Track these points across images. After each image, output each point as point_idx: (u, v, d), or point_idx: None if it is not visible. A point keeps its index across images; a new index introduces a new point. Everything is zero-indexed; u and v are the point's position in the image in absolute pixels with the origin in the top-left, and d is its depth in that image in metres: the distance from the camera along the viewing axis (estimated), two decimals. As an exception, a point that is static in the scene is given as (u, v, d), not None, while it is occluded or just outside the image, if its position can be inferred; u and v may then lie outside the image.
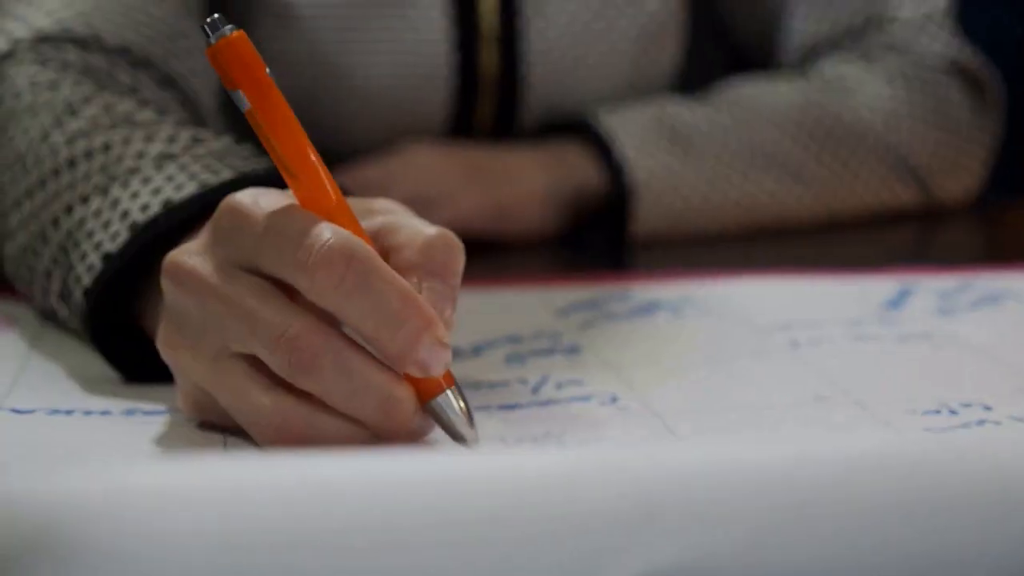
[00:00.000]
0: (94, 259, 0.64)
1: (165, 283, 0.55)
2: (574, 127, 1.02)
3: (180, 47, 0.88)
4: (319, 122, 1.02)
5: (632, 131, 1.00)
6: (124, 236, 0.63)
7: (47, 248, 0.68)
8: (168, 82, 0.86)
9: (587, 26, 1.04)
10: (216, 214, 0.55)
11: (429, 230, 0.57)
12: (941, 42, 1.08)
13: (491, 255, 0.96)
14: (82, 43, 0.83)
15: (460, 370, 0.57)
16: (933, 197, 1.07)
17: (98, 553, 0.33)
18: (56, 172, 0.69)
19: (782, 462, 0.34)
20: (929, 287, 0.81)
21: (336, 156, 1.02)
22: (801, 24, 1.10)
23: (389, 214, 0.58)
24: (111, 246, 0.64)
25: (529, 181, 0.99)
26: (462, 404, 0.54)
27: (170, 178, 0.65)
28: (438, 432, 0.54)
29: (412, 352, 0.51)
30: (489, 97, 1.03)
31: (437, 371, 0.52)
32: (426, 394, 0.53)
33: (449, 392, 0.53)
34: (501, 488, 0.33)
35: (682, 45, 1.09)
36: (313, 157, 0.55)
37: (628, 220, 0.99)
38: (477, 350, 0.70)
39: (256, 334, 0.52)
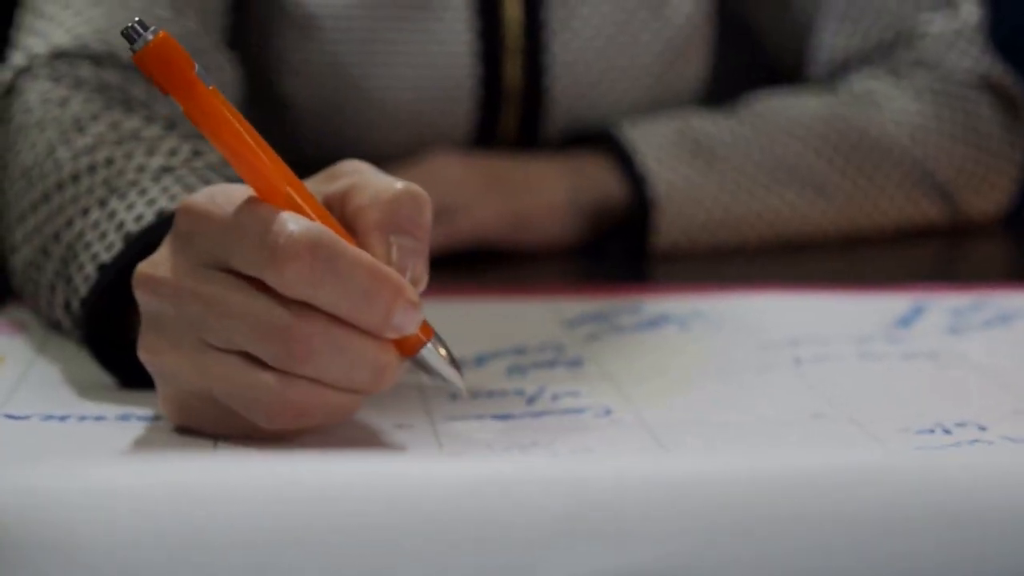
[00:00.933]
0: (90, 269, 0.65)
1: (139, 294, 0.56)
2: (597, 138, 1.02)
3: (199, 62, 0.89)
4: (341, 132, 1.02)
5: (654, 143, 1.00)
6: (118, 246, 0.64)
7: (50, 262, 0.69)
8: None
9: (611, 39, 1.04)
10: (176, 219, 0.56)
11: (395, 185, 0.57)
12: (971, 57, 1.07)
13: (509, 265, 0.97)
14: (97, 59, 0.84)
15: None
16: (960, 213, 1.06)
17: (46, 550, 0.34)
18: (60, 186, 0.70)
19: (718, 475, 0.34)
20: (943, 305, 0.80)
21: (366, 156, 1.02)
22: (831, 39, 1.10)
23: (355, 174, 0.59)
24: (106, 256, 0.64)
25: (549, 191, 0.99)
26: (443, 351, 0.57)
27: (165, 189, 0.66)
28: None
29: (388, 321, 0.53)
30: (513, 109, 1.04)
31: (412, 330, 0.55)
32: (410, 349, 0.56)
33: (429, 344, 0.56)
34: (437, 494, 0.34)
35: (707, 59, 1.09)
36: (261, 148, 0.55)
37: (649, 232, 0.99)
38: (480, 360, 0.70)
39: (243, 331, 0.53)
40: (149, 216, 0.64)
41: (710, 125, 1.02)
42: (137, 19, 0.54)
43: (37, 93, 0.80)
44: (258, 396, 0.54)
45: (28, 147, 0.75)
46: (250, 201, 0.54)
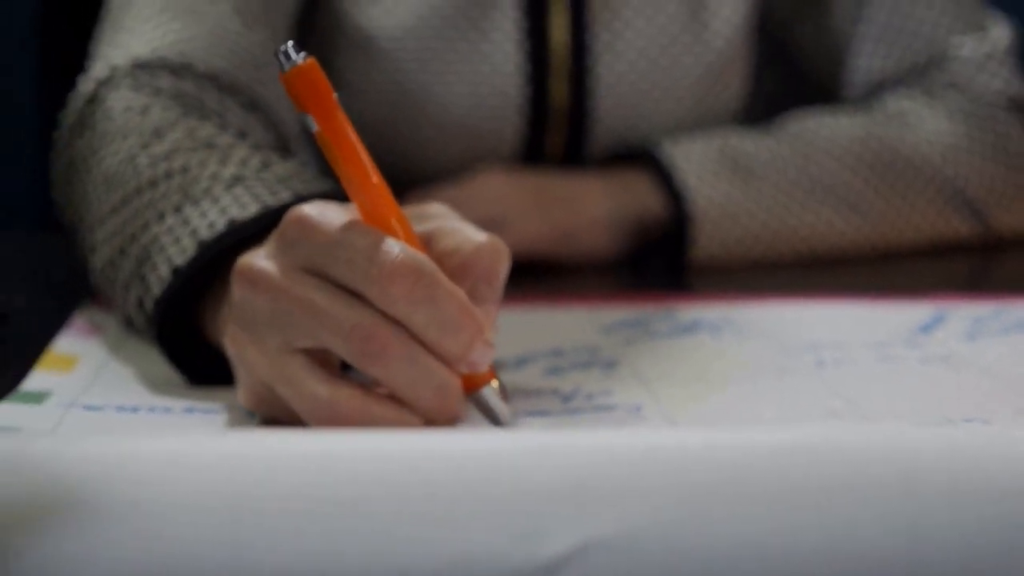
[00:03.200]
0: (164, 271, 0.70)
1: (236, 284, 0.61)
2: (638, 156, 1.07)
3: (266, 75, 0.95)
4: (397, 147, 1.07)
5: (694, 160, 1.04)
6: (192, 251, 0.69)
7: (126, 262, 0.74)
8: (253, 106, 0.92)
9: (654, 62, 1.08)
10: (284, 223, 0.60)
11: (478, 236, 0.62)
12: (1001, 79, 1.11)
13: (552, 276, 1.01)
14: (175, 70, 0.89)
15: (502, 378, 0.63)
16: (991, 230, 1.10)
17: (111, 511, 0.38)
18: (139, 191, 0.75)
19: (711, 445, 0.39)
20: (964, 313, 0.84)
21: (412, 180, 1.07)
22: (867, 62, 1.14)
23: (440, 219, 0.64)
24: (180, 260, 0.69)
25: (593, 207, 1.04)
26: (501, 395, 0.61)
27: (237, 198, 0.71)
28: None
29: (466, 353, 0.58)
30: (559, 128, 1.08)
31: (483, 368, 0.60)
32: (472, 387, 0.60)
33: (492, 384, 0.61)
34: (454, 464, 0.38)
35: (746, 81, 1.14)
36: (374, 176, 0.60)
37: (688, 246, 1.03)
38: (521, 362, 0.75)
39: (327, 327, 0.58)
40: (221, 224, 0.69)
41: (749, 144, 1.06)
42: (291, 42, 0.60)
43: (119, 101, 0.85)
44: (313, 407, 0.58)
45: (111, 153, 0.80)
46: (358, 221, 0.59)
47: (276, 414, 0.62)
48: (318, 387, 0.58)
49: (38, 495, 0.37)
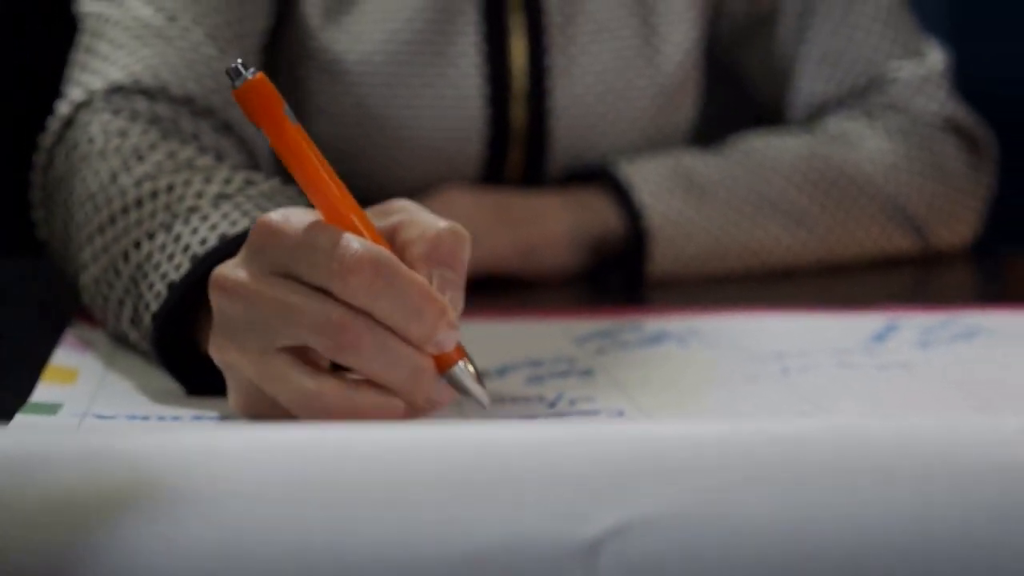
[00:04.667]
0: (160, 287, 0.73)
1: (213, 294, 0.65)
2: (595, 175, 1.11)
3: None
4: (363, 168, 1.11)
5: (649, 179, 1.09)
6: (186, 266, 0.73)
7: (119, 280, 0.77)
8: (226, 128, 0.95)
9: (609, 86, 1.13)
10: (252, 232, 0.64)
11: (439, 223, 0.66)
12: (938, 101, 1.17)
13: (518, 291, 1.05)
14: (151, 94, 0.93)
15: (487, 387, 0.67)
16: (930, 244, 1.16)
17: (192, 499, 0.42)
18: (125, 210, 0.79)
19: (739, 432, 0.43)
20: (914, 323, 0.89)
21: (377, 199, 1.11)
22: (810, 84, 1.19)
23: (404, 212, 0.68)
24: (175, 275, 0.73)
25: (555, 224, 1.08)
26: (472, 369, 0.65)
27: (225, 215, 0.74)
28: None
29: (431, 336, 0.62)
30: (519, 148, 1.13)
31: (450, 348, 0.64)
32: (444, 366, 0.64)
33: (461, 362, 0.65)
34: (499, 451, 0.42)
35: (696, 103, 1.18)
36: (331, 180, 0.64)
37: (644, 261, 1.07)
38: (502, 371, 0.79)
39: (302, 324, 0.62)
40: (212, 240, 0.73)
41: (700, 164, 1.11)
42: (240, 60, 0.64)
43: (98, 124, 0.88)
44: (302, 400, 0.62)
45: (92, 174, 0.83)
46: (319, 222, 0.63)
47: (267, 415, 0.65)
48: (305, 380, 0.62)
49: (124, 485, 0.40)
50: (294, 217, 0.64)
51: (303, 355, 0.63)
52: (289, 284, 0.62)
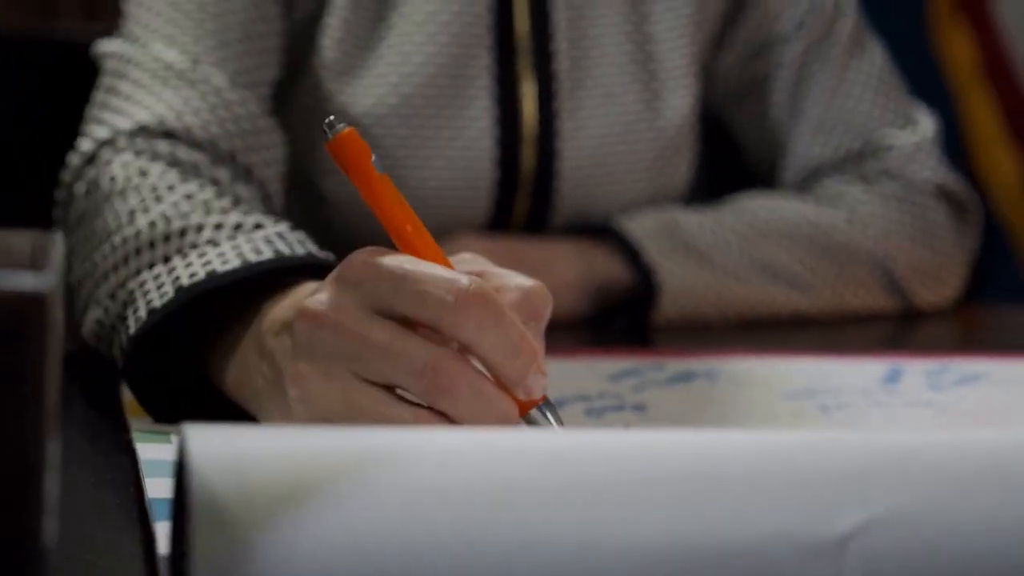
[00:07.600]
0: (142, 312, 0.76)
1: (298, 324, 0.65)
2: (599, 230, 1.16)
3: (258, 142, 1.01)
4: (372, 224, 1.14)
5: (654, 237, 1.14)
6: (169, 295, 0.75)
7: (117, 308, 0.79)
8: (245, 172, 0.98)
9: (612, 147, 1.17)
10: (343, 267, 0.66)
11: (525, 281, 0.69)
12: (930, 168, 1.24)
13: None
14: (173, 136, 0.95)
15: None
16: (912, 306, 1.22)
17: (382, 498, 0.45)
18: (138, 252, 0.81)
19: (966, 438, 0.48)
20: (915, 368, 0.95)
21: (391, 246, 1.14)
22: (804, 149, 1.25)
23: (477, 263, 0.71)
24: (158, 303, 0.75)
25: (563, 271, 1.13)
26: (550, 416, 0.67)
27: (221, 254, 0.77)
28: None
29: (524, 376, 0.65)
30: (525, 195, 1.16)
31: (538, 395, 0.66)
32: (524, 409, 0.66)
33: (542, 405, 0.66)
34: (752, 455, 0.46)
35: (693, 163, 1.23)
36: (415, 228, 0.67)
37: (650, 312, 1.13)
38: (558, 404, 0.82)
39: (398, 366, 0.63)
40: (201, 274, 0.75)
41: (694, 225, 1.15)
42: (332, 116, 0.67)
43: (120, 164, 0.90)
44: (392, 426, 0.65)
45: (112, 213, 0.85)
46: (418, 259, 0.65)
47: None
48: (402, 412, 0.64)
49: (293, 484, 0.44)
50: (390, 254, 0.65)
51: (390, 387, 0.65)
52: (385, 322, 0.64)
